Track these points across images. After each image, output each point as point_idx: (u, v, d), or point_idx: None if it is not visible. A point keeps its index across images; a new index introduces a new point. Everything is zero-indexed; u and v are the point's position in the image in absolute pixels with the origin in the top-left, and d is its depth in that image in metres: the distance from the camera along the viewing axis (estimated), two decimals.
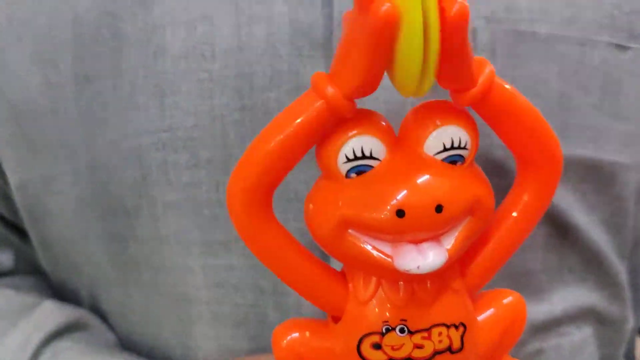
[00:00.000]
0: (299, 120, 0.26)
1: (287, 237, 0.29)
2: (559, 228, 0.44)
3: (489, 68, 0.26)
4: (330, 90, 0.25)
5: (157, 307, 0.46)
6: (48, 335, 0.47)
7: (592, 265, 0.46)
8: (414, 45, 0.24)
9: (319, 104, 0.25)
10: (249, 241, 0.28)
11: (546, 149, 0.29)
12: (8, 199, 0.51)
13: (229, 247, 0.43)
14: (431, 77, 0.25)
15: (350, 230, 0.27)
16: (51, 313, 0.48)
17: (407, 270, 0.26)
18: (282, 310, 0.43)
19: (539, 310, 0.45)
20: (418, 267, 0.26)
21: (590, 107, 0.42)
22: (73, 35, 0.42)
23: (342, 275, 0.30)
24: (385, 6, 0.23)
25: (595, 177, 0.43)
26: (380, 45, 0.24)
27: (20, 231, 0.54)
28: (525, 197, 0.30)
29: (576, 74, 0.41)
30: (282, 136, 0.26)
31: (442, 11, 0.23)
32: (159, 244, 0.44)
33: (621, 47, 0.42)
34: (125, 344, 0.49)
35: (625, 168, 0.44)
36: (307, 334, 0.29)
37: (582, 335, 0.47)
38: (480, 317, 0.30)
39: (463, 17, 0.24)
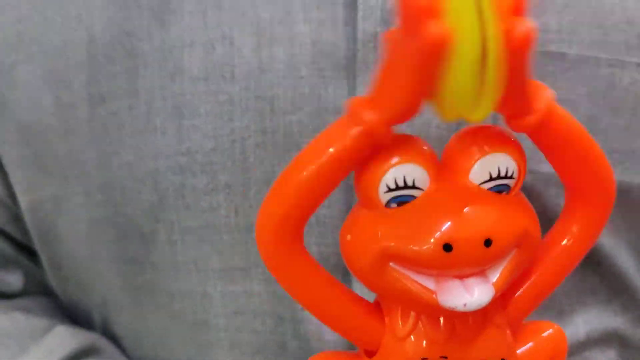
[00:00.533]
0: (333, 149, 0.24)
1: (318, 271, 0.28)
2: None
3: (548, 93, 0.25)
4: (369, 116, 0.24)
5: (172, 332, 0.46)
6: None
7: (617, 289, 0.46)
8: (468, 72, 0.22)
9: (356, 130, 0.24)
10: (280, 276, 0.27)
11: (600, 181, 0.28)
12: (18, 219, 0.50)
13: (249, 273, 0.42)
14: (488, 105, 0.23)
15: (391, 264, 0.25)
16: (63, 338, 0.48)
17: (453, 308, 0.25)
18: (302, 338, 0.42)
19: None
20: (465, 305, 0.25)
21: (619, 129, 0.42)
22: (88, 55, 0.42)
23: (377, 308, 0.29)
24: (437, 28, 0.21)
25: (623, 200, 0.42)
26: (429, 70, 0.22)
27: (30, 252, 0.53)
28: (574, 229, 0.29)
29: (605, 95, 0.41)
30: (315, 166, 0.25)
31: (505, 33, 0.22)
32: (176, 270, 0.43)
33: None
34: None
35: None
36: None
37: (606, 359, 0.47)
38: (520, 350, 0.29)
39: (528, 41, 0.22)
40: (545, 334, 0.30)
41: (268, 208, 0.26)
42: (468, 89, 0.22)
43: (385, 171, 0.25)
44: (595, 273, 0.45)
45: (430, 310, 0.26)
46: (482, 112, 0.23)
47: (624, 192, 0.42)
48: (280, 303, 0.42)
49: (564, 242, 0.29)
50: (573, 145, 0.27)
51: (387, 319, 0.28)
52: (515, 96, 0.24)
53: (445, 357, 0.27)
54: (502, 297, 0.29)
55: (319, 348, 0.41)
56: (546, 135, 0.26)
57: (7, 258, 0.53)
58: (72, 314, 0.52)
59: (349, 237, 0.26)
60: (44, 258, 0.51)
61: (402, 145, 0.25)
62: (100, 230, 0.45)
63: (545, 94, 0.25)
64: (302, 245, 0.27)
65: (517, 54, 0.22)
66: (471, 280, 0.25)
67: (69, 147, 0.44)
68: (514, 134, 0.27)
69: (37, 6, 0.43)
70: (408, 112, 0.24)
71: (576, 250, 0.29)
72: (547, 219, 0.32)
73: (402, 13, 0.22)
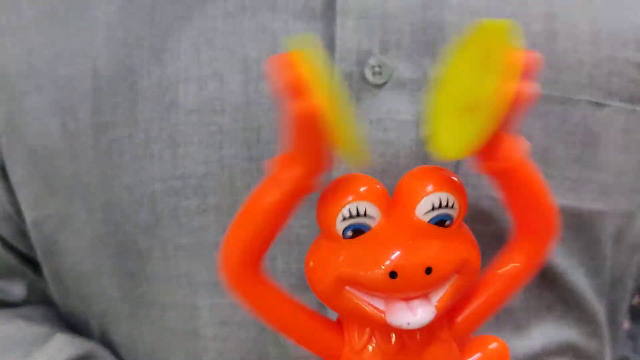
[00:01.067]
0: (276, 197, 0.27)
1: (281, 295, 0.31)
2: (540, 270, 0.47)
3: (519, 146, 0.28)
4: (292, 173, 0.27)
5: (165, 341, 0.48)
6: None
7: (571, 305, 0.48)
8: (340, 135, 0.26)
9: (286, 186, 0.27)
10: (243, 300, 0.30)
11: (546, 222, 0.31)
12: (24, 234, 0.52)
13: None
14: (466, 148, 0.26)
15: (347, 287, 0.28)
16: (64, 345, 0.49)
17: (399, 326, 0.28)
18: (281, 346, 0.44)
19: (520, 345, 0.46)
20: (408, 324, 0.28)
21: (571, 159, 0.44)
22: (92, 87, 0.44)
23: (338, 325, 0.31)
24: (305, 105, 0.24)
25: (575, 224, 0.45)
26: (308, 134, 0.25)
27: (33, 264, 0.55)
28: (518, 259, 0.31)
29: (558, 129, 0.43)
30: (257, 219, 0.28)
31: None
32: (168, 283, 0.46)
33: (599, 105, 0.44)
34: None
35: (602, 215, 0.46)
36: None
37: None
38: None
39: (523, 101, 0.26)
40: (490, 347, 0.33)
41: (226, 256, 0.30)
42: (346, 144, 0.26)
43: (342, 207, 0.28)
44: (551, 290, 0.47)
45: (381, 327, 0.29)
46: (461, 153, 0.27)
47: (576, 217, 0.45)
48: None
49: (509, 269, 0.32)
50: (531, 193, 0.30)
51: (345, 334, 0.31)
52: (489, 142, 0.27)
53: None
54: (449, 316, 0.32)
55: (298, 355, 0.43)
56: (510, 181, 0.29)
57: (11, 269, 0.55)
58: (71, 324, 0.54)
59: (311, 263, 0.30)
60: (46, 271, 0.53)
61: (356, 184, 0.29)
62: (101, 246, 0.47)
63: (518, 146, 0.28)
64: (262, 273, 0.30)
65: (513, 109, 0.26)
66: (415, 303, 0.28)
67: (74, 170, 0.46)
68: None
69: (46, 41, 0.46)
70: (321, 166, 0.27)
71: (519, 277, 0.32)
72: (503, 241, 0.35)
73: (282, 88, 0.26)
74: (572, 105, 0.44)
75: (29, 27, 0.47)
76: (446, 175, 0.30)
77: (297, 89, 0.25)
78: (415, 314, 0.28)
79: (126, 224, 0.46)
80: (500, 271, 0.32)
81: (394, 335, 0.30)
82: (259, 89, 0.42)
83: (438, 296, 0.29)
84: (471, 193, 0.39)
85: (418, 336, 0.30)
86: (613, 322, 0.54)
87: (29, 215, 0.51)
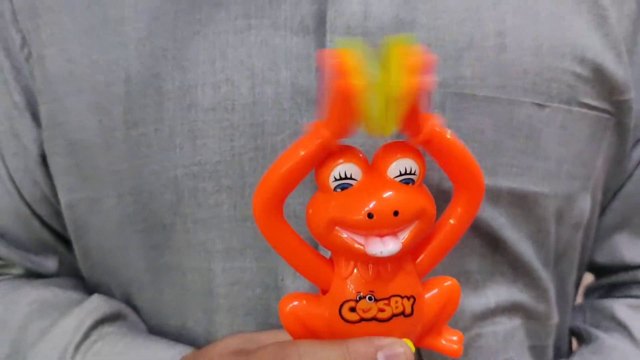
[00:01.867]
0: (302, 153, 0.36)
1: (292, 233, 0.39)
2: (492, 241, 0.53)
3: (432, 121, 0.36)
4: (325, 132, 0.35)
5: (185, 301, 0.54)
6: (97, 320, 0.55)
7: (520, 271, 0.55)
8: (372, 105, 0.33)
9: (317, 142, 0.36)
10: (266, 234, 0.38)
11: (473, 178, 0.39)
12: (58, 215, 0.60)
13: (244, 253, 0.51)
14: (392, 127, 0.34)
15: (336, 227, 0.37)
16: (99, 303, 0.57)
17: (374, 254, 0.37)
18: None
19: (477, 302, 0.54)
20: (381, 252, 0.36)
21: (517, 151, 0.52)
22: (125, 91, 0.51)
23: (330, 261, 0.40)
24: (346, 83, 0.32)
25: (522, 203, 0.53)
26: (347, 108, 0.33)
27: (65, 241, 0.62)
28: (459, 210, 0.40)
29: (506, 126, 0.50)
30: (291, 163, 0.36)
31: (404, 83, 0.32)
32: (188, 252, 0.52)
33: (541, 106, 0.51)
34: (154, 334, 0.57)
35: (545, 197, 0.54)
36: (304, 302, 0.39)
37: (513, 325, 0.56)
38: (428, 295, 0.41)
39: (417, 92, 0.33)
40: (445, 284, 0.41)
41: (260, 190, 0.37)
42: (377, 113, 0.34)
43: (334, 167, 0.37)
44: (503, 259, 0.55)
45: (361, 258, 0.38)
46: (388, 131, 0.35)
47: (522, 198, 0.53)
48: (266, 275, 0.51)
49: (452, 219, 0.40)
50: (453, 154, 0.38)
51: (335, 267, 0.39)
52: (410, 121, 0.36)
53: (372, 291, 0.38)
54: (413, 254, 0.40)
55: None
56: (434, 148, 0.37)
57: (46, 245, 0.62)
58: (95, 292, 0.61)
59: (310, 210, 0.38)
60: (76, 247, 0.60)
61: (345, 151, 0.37)
62: (129, 224, 0.54)
63: (431, 121, 0.36)
64: (282, 214, 0.38)
65: (410, 95, 0.33)
66: (387, 238, 0.37)
67: (107, 160, 0.53)
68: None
69: (85, 51, 0.52)
70: (344, 131, 0.36)
71: (461, 224, 0.40)
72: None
73: (329, 71, 0.34)
74: (517, 106, 0.50)
75: (70, 40, 0.53)
76: (409, 145, 0.38)
77: (342, 72, 0.32)
78: (386, 246, 0.36)
79: (153, 204, 0.52)
80: (446, 220, 0.40)
81: (371, 265, 0.38)
82: (263, 91, 0.48)
83: (404, 235, 0.37)
84: (436, 175, 0.47)
85: (389, 267, 0.38)
86: (562, 291, 0.61)
87: (63, 199, 0.57)
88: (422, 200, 0.38)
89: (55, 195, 0.59)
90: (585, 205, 0.58)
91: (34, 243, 0.62)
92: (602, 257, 0.65)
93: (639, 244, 0.64)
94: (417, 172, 0.37)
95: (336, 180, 0.37)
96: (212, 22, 0.49)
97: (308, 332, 0.40)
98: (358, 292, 0.38)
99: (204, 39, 0.49)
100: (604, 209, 0.64)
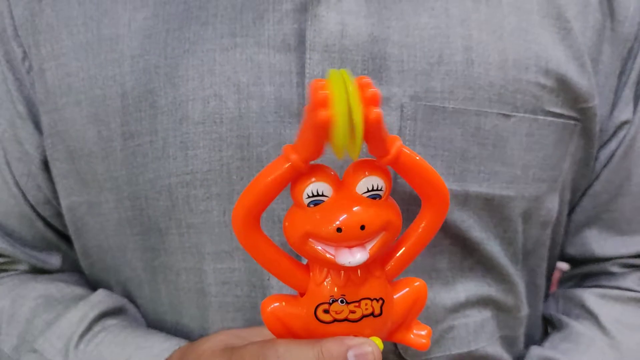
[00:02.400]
0: (273, 177, 0.39)
1: (270, 243, 0.42)
2: (461, 241, 0.57)
3: (398, 143, 0.40)
4: (293, 157, 0.39)
5: (180, 299, 0.57)
6: (100, 313, 0.58)
7: (488, 268, 0.59)
8: (341, 135, 0.36)
9: (286, 165, 0.39)
10: (246, 246, 0.42)
11: (438, 191, 0.43)
12: (60, 215, 0.63)
13: (232, 255, 0.54)
14: (357, 150, 0.37)
15: (309, 239, 0.40)
16: (104, 297, 0.60)
17: (343, 264, 0.40)
18: None
19: (448, 297, 0.57)
20: (349, 262, 0.40)
21: (484, 158, 0.54)
22: (121, 105, 0.53)
23: (306, 267, 0.44)
24: (323, 114, 0.36)
25: (489, 206, 0.56)
26: (321, 133, 0.37)
27: (67, 240, 0.66)
28: (425, 221, 0.43)
29: (474, 135, 0.53)
30: (262, 185, 0.40)
31: (366, 115, 0.36)
32: (182, 254, 0.56)
33: (507, 116, 0.54)
34: (153, 328, 0.60)
35: (511, 199, 0.57)
36: (284, 303, 0.43)
37: (483, 317, 0.59)
38: (397, 295, 0.44)
39: (378, 119, 0.36)
40: (415, 284, 0.45)
41: (237, 208, 0.41)
42: (344, 141, 0.37)
43: (307, 186, 0.40)
44: (472, 256, 0.58)
45: (333, 266, 0.41)
46: (354, 154, 0.39)
47: (489, 201, 0.55)
48: (253, 275, 0.55)
49: (419, 229, 0.44)
50: (419, 173, 0.41)
51: (311, 272, 0.43)
52: (376, 145, 0.39)
53: (344, 295, 0.42)
54: (382, 261, 0.44)
55: None
56: (401, 167, 0.41)
57: (50, 243, 0.66)
58: (97, 288, 0.64)
59: (287, 223, 0.42)
60: (76, 246, 0.63)
61: (317, 171, 0.41)
62: (127, 226, 0.57)
63: (396, 143, 0.40)
64: (259, 228, 0.41)
65: (373, 125, 0.37)
66: (355, 249, 0.40)
67: (105, 167, 0.56)
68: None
69: (83, 66, 0.55)
70: (315, 155, 0.39)
71: (426, 234, 0.44)
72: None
73: (309, 101, 0.37)
74: (485, 116, 0.53)
75: (67, 55, 0.56)
76: (376, 164, 0.41)
77: (321, 103, 0.36)
78: (354, 256, 0.40)
79: (149, 209, 0.55)
80: (414, 229, 0.44)
81: (342, 272, 0.42)
82: (249, 106, 0.51)
83: (371, 245, 0.41)
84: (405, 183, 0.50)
85: (359, 273, 0.42)
86: (532, 284, 0.65)
87: (63, 201, 0.61)
88: (387, 214, 0.41)
89: (57, 198, 0.62)
90: (553, 205, 0.61)
91: (38, 241, 0.65)
92: (573, 251, 0.69)
93: (608, 239, 0.67)
94: (383, 188, 0.41)
95: (309, 197, 0.40)
96: (200, 40, 0.51)
97: (287, 331, 0.44)
98: (331, 296, 0.42)
99: (193, 56, 0.51)
100: (573, 207, 0.67)
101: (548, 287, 0.71)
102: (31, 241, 0.65)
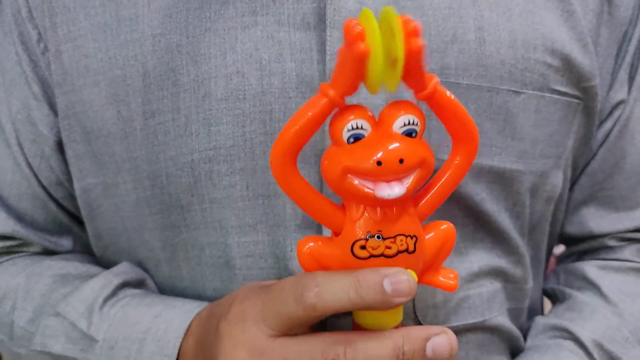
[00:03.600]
0: (311, 113, 0.41)
1: (306, 183, 0.43)
2: (474, 213, 0.58)
3: (435, 80, 0.41)
4: (331, 92, 0.40)
5: (202, 274, 0.58)
6: (124, 282, 0.58)
7: (498, 240, 0.60)
8: (377, 68, 0.38)
9: (324, 101, 0.40)
10: (283, 185, 0.42)
11: (469, 131, 0.44)
12: (72, 197, 0.64)
13: (256, 229, 0.55)
14: (396, 83, 0.39)
15: (349, 175, 0.41)
16: (127, 269, 0.60)
17: (382, 197, 0.41)
18: (289, 271, 0.55)
19: (462, 267, 0.58)
20: (388, 195, 0.41)
21: (496, 132, 0.56)
22: (143, 84, 0.54)
23: (341, 207, 0.44)
24: (361, 46, 0.37)
25: (500, 179, 0.58)
26: (358, 67, 0.38)
27: (80, 222, 0.66)
28: (457, 160, 0.45)
29: (486, 110, 0.55)
30: (301, 122, 0.41)
31: (408, 45, 0.37)
32: (206, 229, 0.56)
33: (517, 92, 0.55)
34: None
35: (520, 173, 0.58)
36: (320, 243, 0.44)
37: (495, 287, 0.60)
38: (427, 236, 0.46)
39: (420, 49, 0.38)
40: (442, 227, 0.46)
41: (276, 146, 0.42)
42: (381, 74, 0.38)
43: (347, 122, 0.41)
44: (483, 228, 0.59)
45: (371, 201, 0.42)
46: (393, 85, 0.40)
47: (500, 174, 0.57)
48: (276, 248, 0.55)
49: (450, 170, 0.45)
50: (452, 110, 0.43)
51: (347, 211, 0.44)
52: (415, 78, 0.41)
53: (380, 231, 0.43)
54: (415, 200, 0.45)
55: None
56: (435, 103, 0.42)
57: (62, 225, 0.66)
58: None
59: (325, 162, 0.43)
60: (89, 228, 0.64)
61: (355, 109, 0.42)
62: (146, 206, 0.57)
63: (434, 79, 0.41)
64: (296, 167, 0.42)
65: (415, 55, 0.38)
66: (393, 183, 0.42)
67: (125, 148, 0.56)
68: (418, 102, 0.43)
69: (101, 47, 0.55)
70: (351, 89, 0.40)
71: (458, 173, 0.45)
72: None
73: (345, 37, 0.39)
74: (496, 92, 0.55)
75: (85, 36, 0.56)
76: (412, 104, 0.42)
77: (358, 37, 0.37)
78: (392, 189, 0.41)
79: (170, 186, 0.55)
80: (445, 170, 0.45)
81: (379, 209, 0.43)
82: (271, 82, 0.52)
83: (407, 181, 0.42)
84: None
85: (394, 210, 0.43)
86: (535, 258, 0.66)
87: (78, 183, 0.61)
88: (423, 151, 0.42)
89: (70, 180, 0.62)
90: (557, 181, 0.62)
91: (50, 224, 0.66)
92: (572, 229, 0.70)
93: (604, 216, 0.69)
94: (418, 124, 0.42)
95: (349, 131, 0.41)
96: (221, 18, 0.52)
97: (323, 270, 0.44)
98: (368, 231, 0.43)
99: (215, 34, 0.52)
100: (572, 185, 0.69)
101: (547, 263, 0.72)
102: (43, 223, 0.65)
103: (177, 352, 0.53)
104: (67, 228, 0.66)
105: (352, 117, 0.41)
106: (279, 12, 0.52)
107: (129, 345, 0.54)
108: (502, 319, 0.62)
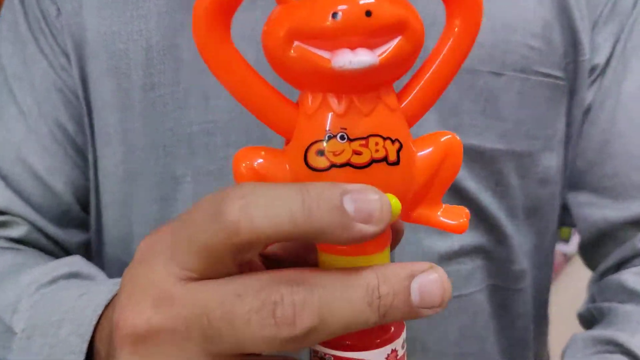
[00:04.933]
0: None
1: (243, 61, 0.26)
2: (454, 191, 0.51)
3: None
4: None
5: None
6: (70, 272, 0.50)
7: (481, 218, 0.53)
8: None
9: None
10: (208, 57, 0.26)
11: None
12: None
13: None
14: None
15: (295, 42, 0.24)
16: (78, 261, 0.52)
17: (341, 66, 0.23)
18: None
19: (443, 244, 0.52)
20: (350, 62, 0.24)
21: (477, 112, 0.50)
22: (145, 57, 0.50)
23: (295, 104, 0.27)
24: None
25: (480, 158, 0.51)
26: None
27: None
28: (453, 36, 0.28)
29: (467, 91, 0.49)
30: None
31: None
32: (198, 200, 0.49)
33: (497, 74, 0.51)
34: None
35: (501, 152, 0.52)
36: (263, 153, 0.27)
37: (474, 265, 0.54)
38: (421, 153, 0.28)
39: None
40: (443, 139, 0.29)
41: None
42: None
43: None
44: (464, 205, 0.50)
45: (328, 79, 0.25)
46: None
47: (480, 153, 0.51)
48: None
49: (446, 48, 0.28)
50: None
51: (300, 103, 0.26)
52: None
53: (345, 129, 0.25)
54: (401, 93, 0.27)
55: None
56: None
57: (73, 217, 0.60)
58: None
59: (265, 27, 0.26)
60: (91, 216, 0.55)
61: None
62: (138, 178, 0.52)
63: None
64: (229, 36, 0.26)
65: None
66: (359, 50, 0.24)
67: (119, 119, 0.51)
68: None
69: (105, 22, 0.51)
70: None
71: (460, 48, 0.28)
72: None
73: None
74: (476, 74, 0.50)
75: (90, 11, 0.53)
76: None
77: None
78: (357, 55, 0.24)
79: (165, 157, 0.49)
80: (440, 49, 0.28)
81: (343, 97, 0.25)
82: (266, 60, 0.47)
83: (381, 50, 0.25)
84: None
85: (366, 98, 0.26)
86: (540, 247, 0.60)
87: None
88: (404, 9, 0.24)
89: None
90: (550, 163, 0.55)
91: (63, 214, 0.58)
92: (582, 228, 0.64)
93: (607, 205, 0.63)
94: None
95: None
96: None
97: None
98: (327, 130, 0.25)
99: None
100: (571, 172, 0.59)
101: (553, 251, 0.65)
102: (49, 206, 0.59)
103: (91, 329, 0.39)
104: (78, 219, 0.57)
105: None
106: None
107: (46, 331, 0.41)
108: (480, 296, 0.55)
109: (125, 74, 0.50)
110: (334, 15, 0.24)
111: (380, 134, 0.26)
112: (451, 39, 0.28)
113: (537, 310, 0.61)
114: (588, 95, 0.56)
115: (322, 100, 0.26)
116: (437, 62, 0.28)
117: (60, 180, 0.55)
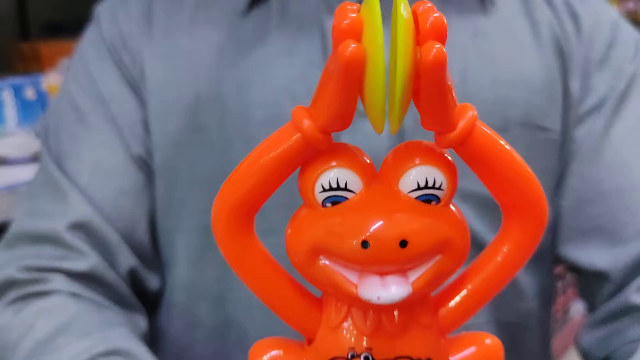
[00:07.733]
0: (275, 153, 0.22)
1: (268, 258, 0.24)
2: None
3: (471, 112, 0.21)
4: (306, 123, 0.21)
5: (227, 276, 0.55)
6: (107, 350, 0.49)
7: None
8: (377, 84, 0.19)
9: (296, 136, 0.21)
10: (231, 258, 0.24)
11: (528, 200, 0.24)
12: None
13: (278, 232, 0.47)
14: (397, 114, 0.20)
15: (321, 257, 0.22)
16: (123, 335, 0.50)
17: (368, 300, 0.21)
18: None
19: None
20: (378, 298, 0.21)
21: None
22: (194, 103, 0.54)
23: (320, 301, 0.24)
24: (351, 47, 0.18)
25: (487, 204, 0.52)
26: (347, 81, 0.19)
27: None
28: (508, 246, 0.25)
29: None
30: (263, 163, 0.22)
31: (420, 55, 0.19)
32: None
33: (503, 130, 0.52)
34: (193, 304, 0.58)
35: None
36: (282, 352, 0.25)
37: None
38: (457, 357, 0.25)
39: (439, 62, 0.19)
40: (485, 342, 0.26)
41: (223, 196, 0.23)
42: (378, 100, 0.19)
43: (321, 173, 0.22)
44: (472, 247, 0.51)
45: (356, 302, 0.22)
46: (394, 121, 0.20)
47: (486, 199, 0.48)
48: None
49: (498, 257, 0.25)
50: (496, 162, 0.23)
51: (324, 311, 0.24)
52: (435, 112, 0.20)
53: (370, 349, 0.22)
54: (436, 303, 0.24)
55: None
56: (469, 151, 0.22)
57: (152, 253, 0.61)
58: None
59: (289, 231, 0.23)
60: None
61: (340, 152, 0.22)
62: (181, 207, 0.57)
63: (469, 113, 0.22)
64: (253, 233, 0.24)
65: (429, 72, 0.19)
66: (390, 278, 0.22)
67: (164, 154, 0.56)
68: (448, 151, 0.22)
69: (156, 73, 0.56)
70: (339, 119, 0.21)
71: (509, 265, 0.25)
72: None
73: (332, 35, 0.19)
74: None
75: (153, 63, 0.57)
76: (435, 149, 0.22)
77: (347, 32, 0.20)
78: (387, 289, 0.21)
79: (212, 191, 0.53)
80: (490, 257, 0.25)
81: (371, 313, 0.23)
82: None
83: (416, 275, 0.22)
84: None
85: (396, 318, 0.23)
86: (544, 288, 0.61)
87: None
88: (446, 228, 0.21)
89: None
90: (551, 212, 0.51)
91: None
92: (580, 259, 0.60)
93: (599, 248, 0.60)
94: (443, 186, 0.22)
95: (324, 190, 0.22)
96: (263, 57, 0.56)
97: None
98: (350, 347, 0.23)
99: (258, 70, 0.55)
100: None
101: (554, 287, 0.65)
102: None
103: None
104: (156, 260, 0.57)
105: (332, 164, 0.22)
106: (311, 54, 0.55)
107: None
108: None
109: (175, 116, 0.57)
110: (364, 244, 0.22)
111: (409, 355, 0.24)
112: (500, 255, 0.25)
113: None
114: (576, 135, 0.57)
115: (346, 313, 0.24)
116: (486, 270, 0.25)
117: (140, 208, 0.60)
